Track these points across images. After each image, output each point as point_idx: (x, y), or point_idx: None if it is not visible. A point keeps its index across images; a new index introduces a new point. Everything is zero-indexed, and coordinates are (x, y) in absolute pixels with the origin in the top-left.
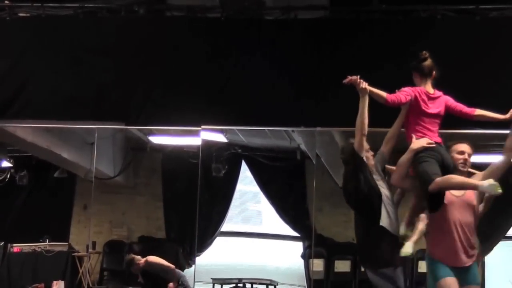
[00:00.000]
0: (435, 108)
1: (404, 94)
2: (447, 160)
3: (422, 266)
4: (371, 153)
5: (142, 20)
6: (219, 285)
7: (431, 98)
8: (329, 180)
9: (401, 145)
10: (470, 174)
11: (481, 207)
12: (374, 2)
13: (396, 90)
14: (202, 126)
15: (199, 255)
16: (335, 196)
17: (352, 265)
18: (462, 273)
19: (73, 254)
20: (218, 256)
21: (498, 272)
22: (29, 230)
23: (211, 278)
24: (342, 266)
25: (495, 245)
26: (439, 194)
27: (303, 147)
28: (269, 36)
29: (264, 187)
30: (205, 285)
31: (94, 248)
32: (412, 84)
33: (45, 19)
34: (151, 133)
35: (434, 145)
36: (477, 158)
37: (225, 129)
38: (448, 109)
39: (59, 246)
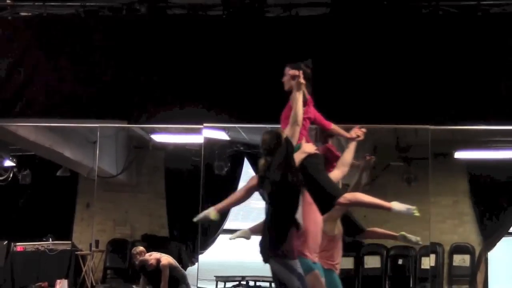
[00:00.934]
0: (310, 113)
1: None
2: None
3: (426, 263)
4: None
5: (143, 19)
6: (222, 283)
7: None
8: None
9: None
10: None
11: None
12: None
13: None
14: (204, 124)
15: (202, 253)
16: None
17: (355, 262)
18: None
19: (76, 252)
20: (221, 254)
21: (501, 267)
22: (32, 229)
23: (214, 276)
24: (345, 263)
25: (498, 240)
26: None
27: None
28: (271, 33)
29: None
30: (208, 283)
31: (97, 246)
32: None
33: (47, 18)
34: (154, 131)
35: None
36: (482, 154)
37: (227, 127)
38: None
39: (62, 245)
